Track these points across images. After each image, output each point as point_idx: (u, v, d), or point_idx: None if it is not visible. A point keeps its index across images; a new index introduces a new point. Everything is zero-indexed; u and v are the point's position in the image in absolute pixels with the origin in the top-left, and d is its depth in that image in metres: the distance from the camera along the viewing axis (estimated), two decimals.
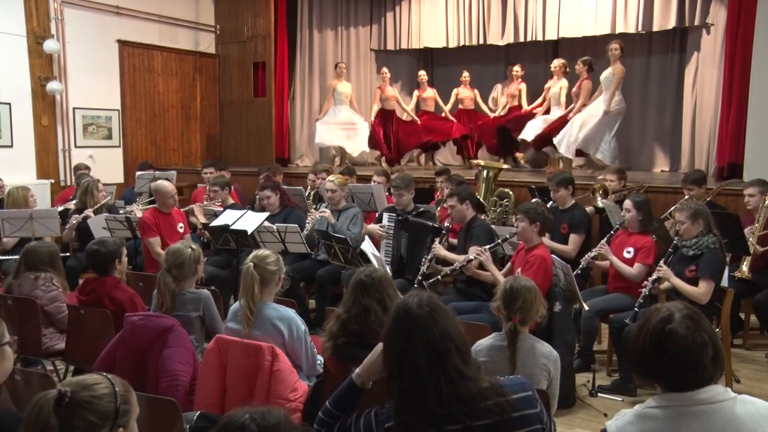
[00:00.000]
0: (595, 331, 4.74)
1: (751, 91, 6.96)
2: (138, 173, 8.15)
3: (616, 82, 7.61)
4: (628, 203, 4.75)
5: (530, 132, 8.58)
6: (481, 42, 10.08)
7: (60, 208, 6.51)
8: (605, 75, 7.72)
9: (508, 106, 9.46)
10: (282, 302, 3.31)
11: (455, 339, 1.87)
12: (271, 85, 10.52)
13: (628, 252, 4.67)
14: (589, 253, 4.78)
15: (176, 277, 3.46)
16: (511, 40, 9.84)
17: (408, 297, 1.97)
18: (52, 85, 8.69)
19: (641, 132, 9.53)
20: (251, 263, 3.14)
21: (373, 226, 5.62)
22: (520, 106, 9.29)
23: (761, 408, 1.68)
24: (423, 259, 4.89)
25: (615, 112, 7.73)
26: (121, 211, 6.38)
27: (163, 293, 3.42)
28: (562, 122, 8.10)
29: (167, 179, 6.42)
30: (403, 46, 10.78)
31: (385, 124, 9.90)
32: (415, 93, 10.08)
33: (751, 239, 4.98)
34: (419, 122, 9.84)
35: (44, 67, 8.74)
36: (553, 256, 4.33)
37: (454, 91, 9.92)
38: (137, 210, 6.30)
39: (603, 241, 4.77)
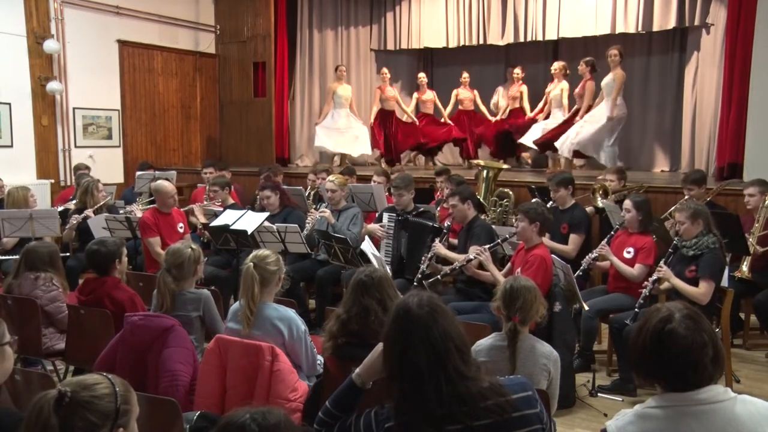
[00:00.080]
0: (595, 331, 4.74)
1: (751, 91, 6.96)
2: (138, 173, 8.15)
3: (617, 87, 7.60)
4: (627, 203, 4.75)
5: (532, 136, 8.58)
6: (481, 42, 10.07)
7: (60, 208, 6.51)
8: (606, 81, 7.71)
9: (509, 109, 9.46)
10: (282, 302, 3.31)
11: (455, 339, 1.87)
12: (271, 85, 10.52)
13: (628, 252, 4.67)
14: (590, 255, 4.78)
15: (176, 277, 3.46)
16: (511, 41, 9.83)
17: (408, 297, 1.97)
18: (52, 85, 8.69)
19: (641, 132, 9.53)
20: (251, 263, 3.14)
21: (373, 226, 5.62)
22: (521, 109, 9.29)
23: (761, 408, 1.68)
24: (423, 258, 4.90)
25: (617, 119, 7.74)
26: (121, 211, 6.38)
27: (163, 293, 3.42)
28: (568, 126, 8.07)
29: (167, 179, 6.42)
30: (403, 46, 10.78)
31: (384, 125, 9.90)
32: (415, 95, 10.09)
33: (751, 239, 4.98)
34: (418, 124, 9.85)
35: (44, 67, 8.74)
36: (553, 256, 4.33)
37: (454, 92, 9.92)
38: (137, 210, 6.30)
39: (604, 242, 4.77)
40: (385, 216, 5.59)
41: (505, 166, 7.68)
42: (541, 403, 1.94)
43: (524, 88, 9.30)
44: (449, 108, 9.92)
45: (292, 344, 3.12)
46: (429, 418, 1.80)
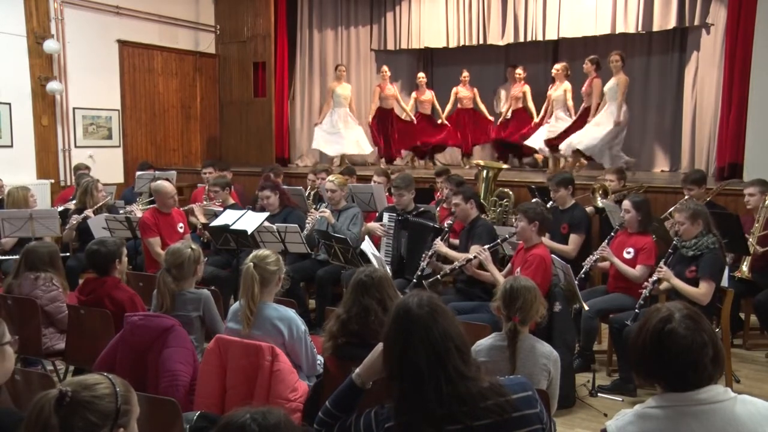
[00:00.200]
0: (595, 331, 4.74)
1: (751, 91, 6.96)
2: (138, 173, 8.15)
3: (621, 92, 7.59)
4: (626, 204, 4.75)
5: (537, 139, 8.58)
6: (481, 42, 10.07)
7: (60, 208, 6.51)
8: (609, 86, 7.70)
9: (512, 109, 9.47)
10: (282, 302, 3.31)
11: (455, 339, 1.87)
12: (271, 85, 10.52)
13: (628, 252, 4.67)
14: (591, 256, 4.78)
15: (176, 277, 3.46)
16: (511, 41, 9.83)
17: (408, 297, 1.97)
18: (52, 85, 8.69)
19: (641, 132, 9.53)
20: (251, 263, 3.14)
21: (373, 224, 5.62)
22: (525, 109, 9.29)
23: (761, 408, 1.69)
24: (423, 255, 4.90)
25: (624, 124, 7.74)
26: (121, 211, 6.37)
27: (163, 293, 3.42)
28: (582, 123, 8.01)
29: (167, 179, 6.42)
30: (403, 46, 10.78)
31: (383, 124, 9.90)
32: (413, 95, 10.08)
33: (751, 239, 4.98)
34: (416, 123, 9.84)
35: (44, 67, 8.74)
36: (552, 256, 4.33)
37: (454, 89, 9.93)
38: (137, 210, 6.30)
39: (604, 243, 4.76)
40: (386, 216, 5.59)
41: (505, 166, 7.69)
42: (541, 403, 1.94)
43: (527, 88, 9.31)
44: (448, 107, 9.92)
45: (292, 344, 3.12)
46: (429, 418, 1.80)
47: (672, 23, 8.54)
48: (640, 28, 8.74)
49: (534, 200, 5.96)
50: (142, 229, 5.55)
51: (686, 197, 5.46)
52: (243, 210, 5.82)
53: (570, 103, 8.40)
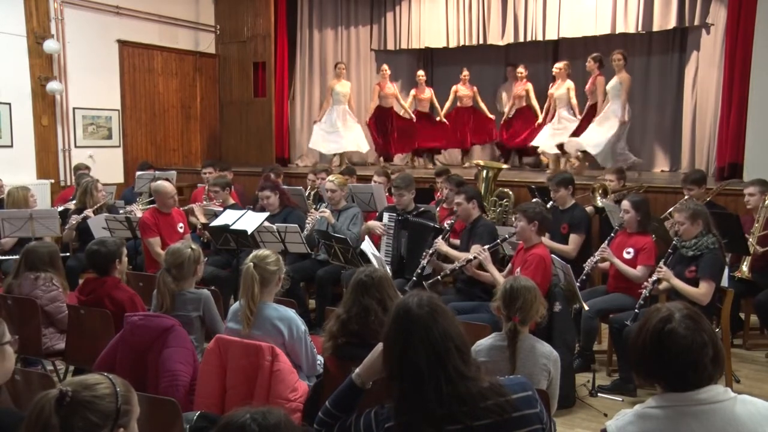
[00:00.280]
0: (595, 331, 4.74)
1: (751, 91, 6.96)
2: (138, 173, 8.15)
3: (625, 91, 7.59)
4: (625, 204, 4.74)
5: (543, 139, 8.58)
6: (481, 42, 10.08)
7: (60, 208, 6.51)
8: (611, 85, 7.70)
9: (515, 108, 9.48)
10: (282, 302, 3.31)
11: (455, 339, 1.87)
12: (271, 85, 10.52)
13: (628, 253, 4.67)
14: (591, 258, 4.78)
15: (176, 277, 3.46)
16: (511, 41, 9.84)
17: (408, 297, 1.97)
18: (52, 85, 8.69)
19: (641, 132, 9.52)
20: (251, 263, 3.14)
21: (374, 222, 5.62)
22: (529, 107, 9.30)
23: (761, 408, 1.69)
24: (424, 254, 4.90)
25: (628, 123, 7.74)
26: (121, 211, 6.37)
27: (163, 293, 3.42)
28: (590, 120, 8.04)
29: (167, 179, 6.42)
30: (403, 46, 10.77)
31: (382, 123, 9.90)
32: (412, 92, 10.08)
33: (751, 239, 4.98)
34: (415, 120, 9.83)
35: (44, 67, 8.74)
36: (552, 256, 4.33)
37: (453, 88, 9.94)
38: (137, 210, 6.30)
39: (604, 244, 4.76)
40: (386, 215, 5.59)
41: (505, 166, 7.69)
42: (541, 403, 1.94)
43: (529, 86, 9.32)
44: (447, 104, 9.94)
45: (292, 344, 3.12)
46: (429, 418, 1.80)
47: (672, 23, 8.54)
48: (640, 28, 8.74)
49: (534, 200, 5.96)
50: (142, 229, 5.55)
51: (686, 197, 5.46)
52: (243, 210, 5.82)
53: (574, 101, 8.40)
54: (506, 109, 9.78)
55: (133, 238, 5.85)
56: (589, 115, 8.07)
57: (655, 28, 8.69)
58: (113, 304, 3.79)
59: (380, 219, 5.66)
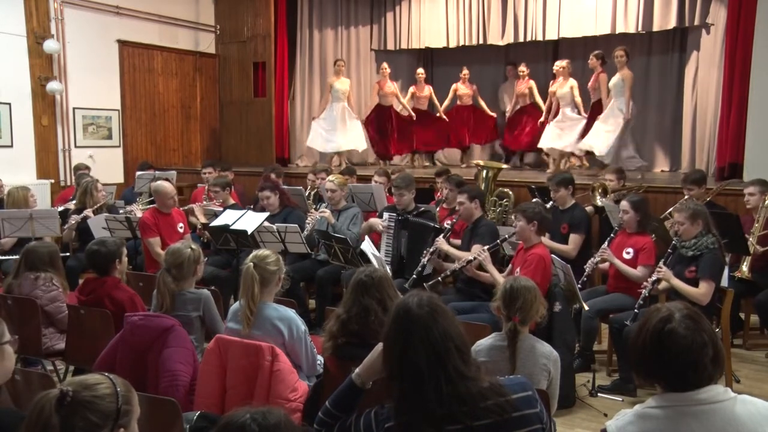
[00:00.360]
0: (595, 331, 4.74)
1: (751, 91, 6.96)
2: (138, 173, 8.15)
3: (628, 88, 7.60)
4: (624, 204, 4.74)
5: (549, 141, 8.57)
6: (481, 42, 10.08)
7: (60, 208, 6.51)
8: (614, 81, 7.70)
9: (519, 105, 9.50)
10: (282, 302, 3.31)
11: (455, 339, 1.87)
12: (271, 85, 10.52)
13: (627, 253, 4.67)
14: (592, 259, 4.77)
15: (176, 277, 3.46)
16: (511, 41, 9.84)
17: (408, 297, 1.97)
18: (52, 85, 8.69)
19: (641, 132, 9.50)
20: (251, 263, 3.14)
21: (375, 220, 5.62)
22: (534, 104, 9.31)
23: (761, 408, 1.69)
24: (425, 252, 4.90)
25: (631, 118, 7.74)
26: (121, 211, 6.38)
27: (163, 293, 3.42)
28: (595, 118, 8.04)
29: (167, 179, 6.42)
30: (403, 46, 10.78)
31: (381, 123, 9.89)
32: (411, 89, 10.06)
33: (751, 239, 4.98)
34: (415, 117, 9.81)
35: (44, 67, 8.74)
36: (552, 256, 4.33)
37: (453, 86, 9.94)
38: (137, 210, 6.30)
39: (604, 245, 4.76)
40: (386, 215, 5.59)
41: (504, 166, 7.68)
42: (541, 402, 1.94)
43: (532, 83, 9.34)
44: (446, 102, 9.94)
45: (292, 344, 3.12)
46: (429, 418, 1.80)
47: (672, 23, 8.54)
48: (640, 28, 8.74)
49: (534, 200, 5.96)
50: (142, 229, 5.55)
51: (686, 197, 5.46)
52: (243, 210, 5.82)
53: (578, 99, 8.40)
54: (508, 108, 9.78)
55: (133, 238, 5.85)
56: (594, 113, 8.07)
57: (655, 28, 8.69)
58: (113, 304, 3.79)
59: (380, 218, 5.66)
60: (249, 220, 5.48)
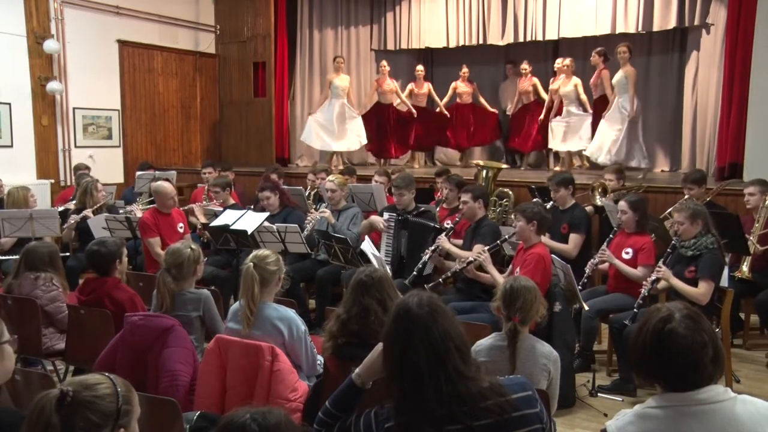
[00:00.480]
0: (595, 331, 4.74)
1: (751, 91, 6.96)
2: (138, 173, 8.15)
3: (632, 84, 7.59)
4: (622, 204, 4.73)
5: (558, 141, 8.57)
6: (481, 42, 10.09)
7: (60, 208, 6.52)
8: (617, 78, 7.70)
9: (522, 103, 9.51)
10: (282, 302, 3.31)
11: (455, 339, 1.87)
12: (271, 85, 10.51)
13: (627, 253, 4.67)
14: (592, 260, 4.77)
15: (176, 277, 3.46)
16: (511, 40, 9.85)
17: (408, 297, 1.97)
18: (52, 85, 8.69)
19: (641, 132, 9.51)
20: (251, 263, 3.14)
21: (375, 218, 5.62)
22: (536, 102, 9.31)
23: (761, 408, 1.69)
24: (426, 250, 4.90)
25: (637, 115, 7.74)
26: (121, 211, 6.38)
27: (163, 293, 3.42)
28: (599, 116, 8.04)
29: (167, 179, 6.41)
30: (404, 46, 10.78)
31: (381, 120, 9.87)
32: (410, 86, 10.03)
33: (751, 239, 4.98)
34: (415, 114, 9.80)
35: (44, 67, 8.74)
36: (552, 255, 4.33)
37: (453, 84, 9.95)
38: (137, 210, 6.30)
39: (604, 246, 4.75)
40: (386, 215, 5.59)
41: (504, 166, 7.69)
42: (541, 402, 1.94)
43: (536, 80, 9.36)
44: (446, 99, 9.95)
45: (292, 344, 3.12)
46: (429, 418, 1.80)
47: (672, 23, 8.54)
48: (640, 28, 8.74)
49: (534, 200, 5.96)
50: (142, 229, 5.55)
51: (686, 197, 5.46)
52: (243, 210, 5.82)
53: (583, 97, 8.41)
54: (510, 107, 9.78)
55: (133, 238, 5.85)
56: (598, 110, 8.07)
57: (655, 28, 8.70)
58: (113, 304, 3.79)
59: None
60: (249, 220, 5.48)
